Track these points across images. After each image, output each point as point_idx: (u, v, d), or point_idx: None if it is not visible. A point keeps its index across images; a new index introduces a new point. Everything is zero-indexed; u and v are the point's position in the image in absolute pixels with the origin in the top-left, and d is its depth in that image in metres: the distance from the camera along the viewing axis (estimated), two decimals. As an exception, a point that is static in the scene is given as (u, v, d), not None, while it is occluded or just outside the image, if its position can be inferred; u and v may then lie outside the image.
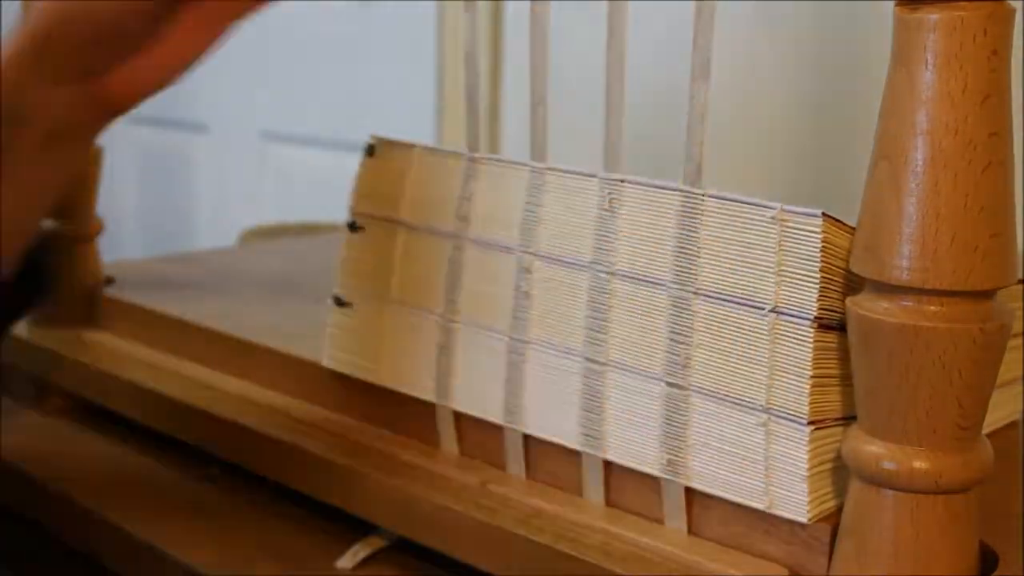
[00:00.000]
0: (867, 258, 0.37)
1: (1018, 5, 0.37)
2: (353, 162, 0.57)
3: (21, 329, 0.70)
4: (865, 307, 0.37)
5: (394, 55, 1.51)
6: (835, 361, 0.41)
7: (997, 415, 0.54)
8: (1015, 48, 0.36)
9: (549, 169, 0.49)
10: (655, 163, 0.55)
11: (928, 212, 0.35)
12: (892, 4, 0.36)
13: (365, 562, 0.52)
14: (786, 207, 0.41)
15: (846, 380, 0.41)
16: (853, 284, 0.40)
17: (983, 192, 0.35)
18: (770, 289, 0.41)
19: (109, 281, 0.74)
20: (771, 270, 0.41)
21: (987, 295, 0.36)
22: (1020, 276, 0.38)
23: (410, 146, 0.55)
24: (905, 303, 0.36)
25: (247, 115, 1.74)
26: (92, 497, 0.59)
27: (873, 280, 0.37)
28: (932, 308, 0.36)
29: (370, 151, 0.56)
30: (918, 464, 0.37)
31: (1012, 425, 0.56)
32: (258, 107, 1.73)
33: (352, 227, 0.56)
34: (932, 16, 0.35)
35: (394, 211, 0.55)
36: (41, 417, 0.69)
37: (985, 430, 0.39)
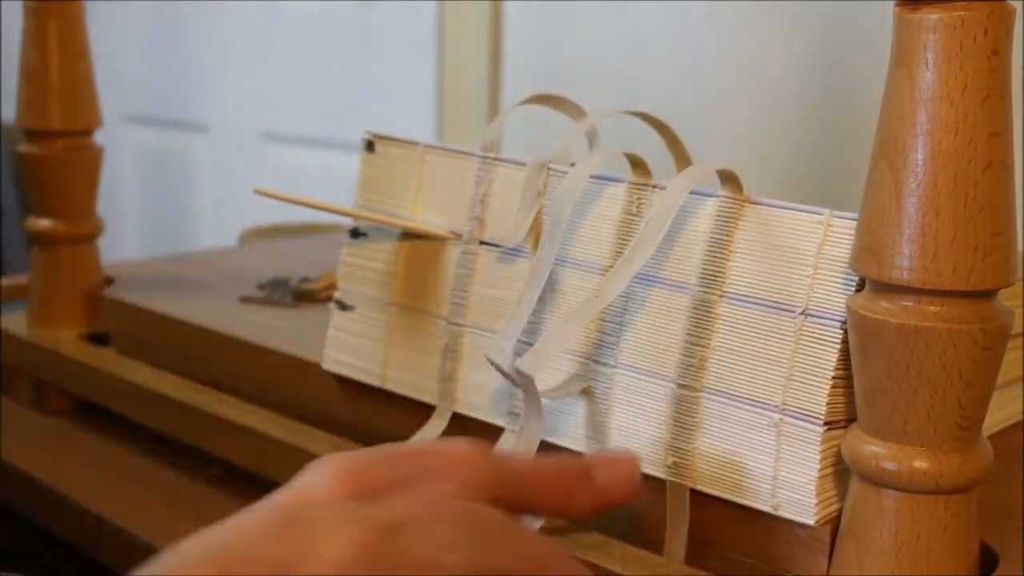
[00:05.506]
0: (867, 258, 0.37)
1: (1018, 5, 0.37)
2: (353, 162, 0.56)
3: (21, 329, 0.70)
4: (865, 307, 0.37)
5: (394, 55, 1.51)
6: (847, 362, 0.41)
7: (998, 416, 0.54)
8: (1015, 48, 0.36)
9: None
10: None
11: (928, 212, 0.35)
12: (892, 4, 0.36)
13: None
14: (835, 212, 0.41)
15: (852, 382, 0.41)
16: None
17: (983, 192, 0.35)
18: (803, 292, 0.41)
19: (109, 281, 0.74)
20: (808, 273, 0.41)
21: (987, 295, 0.36)
22: (1020, 276, 0.38)
23: (414, 144, 0.55)
24: (905, 303, 0.36)
25: (247, 115, 1.74)
26: (92, 497, 0.58)
27: (873, 280, 0.37)
28: (932, 308, 0.36)
29: (369, 147, 0.56)
30: (918, 464, 0.37)
31: (1015, 426, 0.56)
32: (258, 107, 1.72)
33: (355, 234, 0.56)
34: (932, 16, 0.35)
35: (401, 212, 0.55)
36: (41, 417, 0.69)
37: (987, 432, 0.39)
